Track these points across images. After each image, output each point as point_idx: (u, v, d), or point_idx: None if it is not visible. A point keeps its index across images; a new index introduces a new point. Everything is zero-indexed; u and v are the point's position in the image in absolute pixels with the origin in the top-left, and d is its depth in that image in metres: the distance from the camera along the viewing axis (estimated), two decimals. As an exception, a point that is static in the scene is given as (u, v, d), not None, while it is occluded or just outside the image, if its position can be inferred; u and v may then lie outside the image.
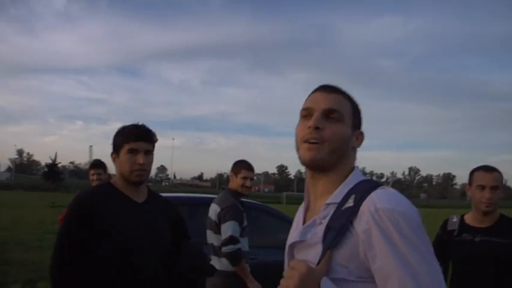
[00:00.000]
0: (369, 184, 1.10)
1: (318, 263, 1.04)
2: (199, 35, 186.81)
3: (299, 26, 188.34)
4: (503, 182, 2.50)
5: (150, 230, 2.01)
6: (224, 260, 3.16)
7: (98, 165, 4.34)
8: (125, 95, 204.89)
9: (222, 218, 3.19)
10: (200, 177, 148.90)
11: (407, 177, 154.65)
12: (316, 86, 1.22)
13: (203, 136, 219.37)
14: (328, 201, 1.12)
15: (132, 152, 1.99)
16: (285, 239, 1.23)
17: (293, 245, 1.17)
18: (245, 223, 3.29)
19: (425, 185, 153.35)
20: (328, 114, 1.14)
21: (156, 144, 2.10)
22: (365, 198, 1.04)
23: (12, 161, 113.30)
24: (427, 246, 1.00)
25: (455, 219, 2.57)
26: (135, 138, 2.00)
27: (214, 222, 3.26)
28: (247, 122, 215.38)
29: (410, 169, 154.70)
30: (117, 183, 2.06)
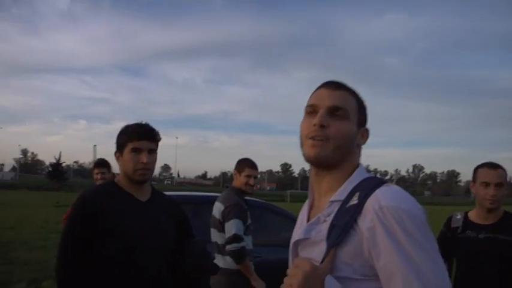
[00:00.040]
0: (373, 181, 1.09)
1: (322, 261, 1.03)
2: (202, 34, 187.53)
3: (302, 24, 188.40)
4: (508, 179, 2.49)
5: (154, 229, 2.01)
6: (228, 258, 3.16)
7: (102, 164, 4.35)
8: (128, 94, 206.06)
9: (225, 216, 3.20)
10: (204, 176, 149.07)
11: (411, 174, 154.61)
12: (319, 84, 1.20)
13: (207, 135, 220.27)
14: (332, 198, 1.11)
15: (136, 151, 1.99)
16: (289, 237, 1.23)
17: (297, 243, 1.16)
18: (249, 221, 3.29)
19: (430, 182, 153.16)
20: (333, 112, 1.13)
21: (160, 143, 2.10)
22: (369, 196, 1.04)
23: (17, 160, 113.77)
24: (432, 244, 1.00)
25: (459, 216, 2.55)
26: (139, 137, 2.00)
27: (218, 220, 3.26)
28: (251, 121, 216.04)
29: (415, 166, 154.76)
30: (121, 182, 2.06)
